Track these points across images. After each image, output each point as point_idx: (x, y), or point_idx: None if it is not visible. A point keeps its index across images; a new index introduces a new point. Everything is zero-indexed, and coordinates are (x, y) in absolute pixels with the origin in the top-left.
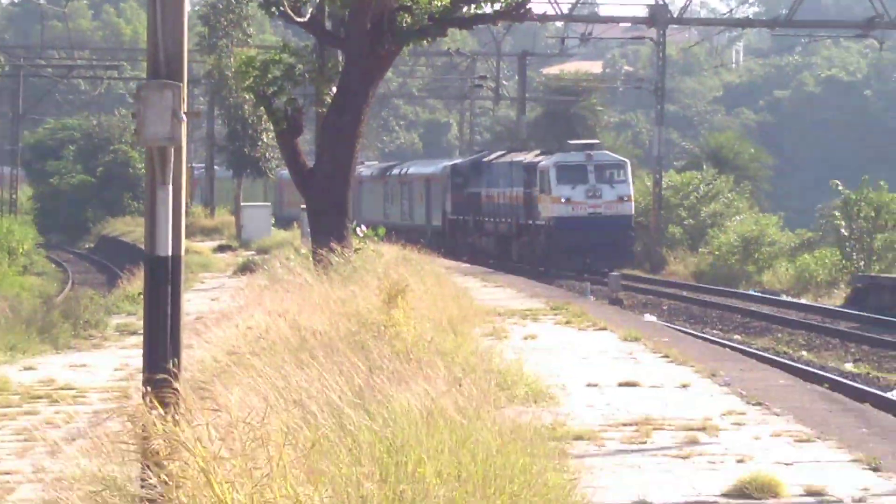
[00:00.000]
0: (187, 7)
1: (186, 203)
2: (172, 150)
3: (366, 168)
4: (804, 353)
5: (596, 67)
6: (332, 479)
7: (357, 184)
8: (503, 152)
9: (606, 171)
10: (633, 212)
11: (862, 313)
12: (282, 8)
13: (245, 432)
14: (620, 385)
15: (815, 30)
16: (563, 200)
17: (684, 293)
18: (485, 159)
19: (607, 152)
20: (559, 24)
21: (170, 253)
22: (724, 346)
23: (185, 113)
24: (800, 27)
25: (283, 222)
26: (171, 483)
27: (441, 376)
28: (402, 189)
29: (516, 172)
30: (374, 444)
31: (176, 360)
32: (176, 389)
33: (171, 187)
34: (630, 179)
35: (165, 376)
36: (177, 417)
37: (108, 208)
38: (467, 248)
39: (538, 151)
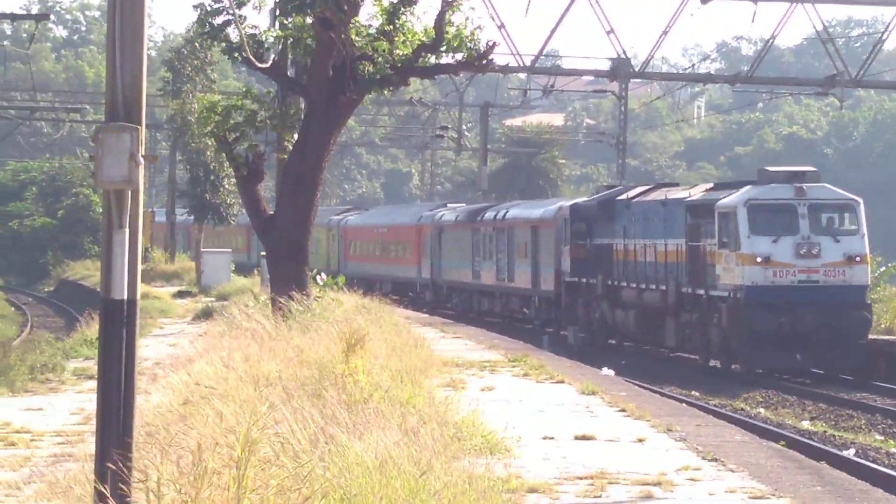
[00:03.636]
0: (146, 51)
1: (146, 248)
2: (129, 193)
3: (448, 211)
4: (761, 410)
5: (558, 120)
6: None
7: (437, 231)
8: (649, 186)
9: (828, 214)
10: (868, 281)
11: (820, 371)
12: (244, 54)
13: (201, 479)
14: (576, 438)
15: (775, 87)
16: (758, 260)
17: (646, 348)
18: (621, 196)
19: (828, 186)
20: (522, 76)
21: (125, 297)
22: (680, 401)
23: (142, 156)
24: (761, 84)
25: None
26: None
27: (397, 426)
28: (498, 239)
29: (674, 216)
30: (328, 493)
31: (130, 403)
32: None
33: (127, 230)
34: (864, 230)
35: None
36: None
37: (68, 252)
38: (593, 324)
39: (709, 185)
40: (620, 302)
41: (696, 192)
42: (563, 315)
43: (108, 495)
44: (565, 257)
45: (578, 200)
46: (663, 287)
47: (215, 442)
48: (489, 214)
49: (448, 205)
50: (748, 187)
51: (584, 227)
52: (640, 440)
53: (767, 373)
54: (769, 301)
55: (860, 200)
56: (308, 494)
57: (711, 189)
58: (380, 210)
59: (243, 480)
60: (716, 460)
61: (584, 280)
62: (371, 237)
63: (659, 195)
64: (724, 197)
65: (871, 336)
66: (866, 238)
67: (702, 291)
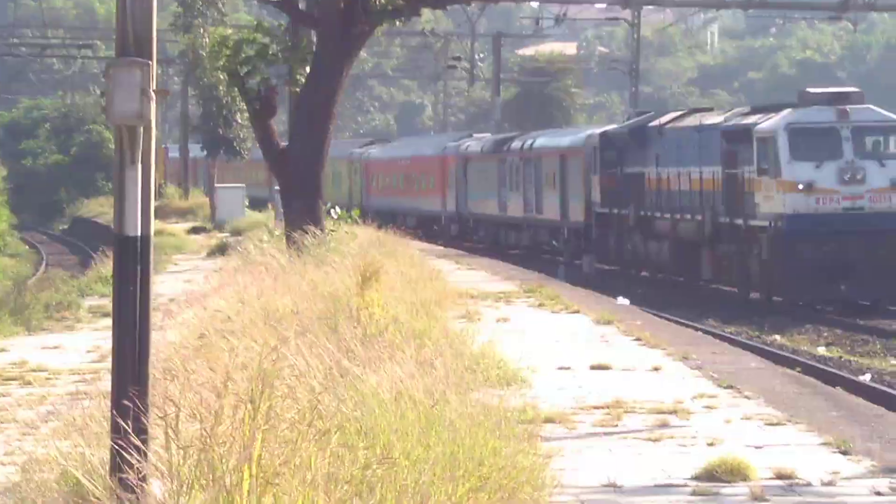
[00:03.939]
0: None
1: (160, 184)
2: (141, 128)
3: (474, 141)
4: (776, 336)
5: (570, 49)
6: (302, 462)
7: (462, 162)
8: (681, 112)
9: (873, 138)
10: None
11: (866, 303)
12: None
13: (217, 415)
14: (592, 368)
15: (788, 11)
16: (800, 187)
17: (659, 276)
18: (653, 123)
19: (873, 107)
20: (534, 4)
21: (139, 233)
22: (696, 329)
23: (154, 91)
24: (773, 8)
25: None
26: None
27: (412, 359)
28: (525, 170)
29: (709, 142)
30: (343, 425)
31: (145, 340)
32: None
33: (140, 166)
34: None
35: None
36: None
37: (82, 189)
38: (625, 256)
39: (746, 108)
40: (653, 233)
41: (733, 117)
42: (593, 247)
43: (130, 430)
44: (595, 187)
45: (608, 128)
46: (699, 217)
47: (229, 377)
48: (516, 144)
49: (473, 135)
50: (788, 110)
51: (614, 155)
52: (656, 369)
53: (809, 305)
54: (812, 230)
55: None
56: (323, 427)
57: (748, 113)
58: (403, 142)
59: (257, 415)
60: (731, 387)
61: (615, 211)
62: (394, 170)
63: (693, 121)
64: (763, 121)
65: None
66: None
67: (740, 221)
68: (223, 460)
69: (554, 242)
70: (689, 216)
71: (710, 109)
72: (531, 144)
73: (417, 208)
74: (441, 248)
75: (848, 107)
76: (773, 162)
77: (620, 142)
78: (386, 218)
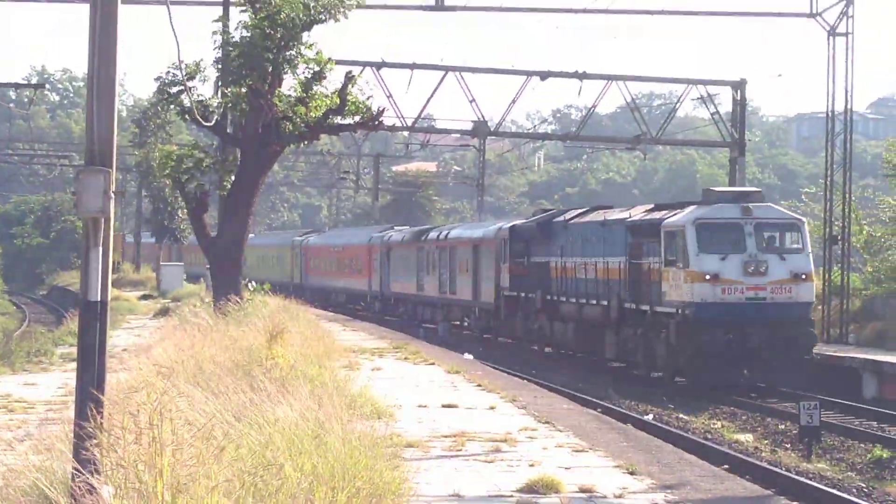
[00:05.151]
0: (116, 112)
1: (117, 262)
2: (103, 220)
3: (395, 232)
4: (580, 384)
5: (432, 167)
6: (205, 472)
7: (385, 249)
8: (586, 209)
9: (774, 233)
10: (813, 298)
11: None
12: (194, 115)
13: (154, 434)
14: (444, 406)
15: (596, 143)
16: (707, 277)
17: (561, 352)
18: (558, 219)
19: (773, 206)
20: (405, 133)
21: (99, 298)
22: (522, 378)
23: (113, 192)
24: (585, 141)
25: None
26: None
27: (306, 397)
28: (440, 256)
29: (614, 235)
30: (239, 442)
31: (101, 380)
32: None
33: (101, 248)
34: (809, 248)
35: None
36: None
37: (59, 264)
38: (532, 335)
39: (649, 206)
40: (560, 315)
41: (637, 213)
42: (502, 325)
43: (86, 449)
44: (504, 274)
45: (517, 222)
46: (603, 303)
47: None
48: (433, 234)
49: (395, 227)
50: (693, 207)
51: (522, 246)
52: (492, 408)
53: (710, 386)
54: (718, 317)
55: (804, 220)
56: (224, 444)
57: (652, 210)
58: (335, 232)
59: (158, 437)
60: (549, 423)
61: (522, 294)
62: (328, 255)
63: (597, 216)
64: (671, 216)
65: None
66: (811, 256)
67: (645, 308)
68: (141, 474)
69: (466, 320)
70: (592, 301)
71: (610, 207)
72: (447, 235)
73: (347, 287)
74: (331, 313)
75: (750, 204)
76: (681, 253)
77: (528, 235)
78: (321, 295)
